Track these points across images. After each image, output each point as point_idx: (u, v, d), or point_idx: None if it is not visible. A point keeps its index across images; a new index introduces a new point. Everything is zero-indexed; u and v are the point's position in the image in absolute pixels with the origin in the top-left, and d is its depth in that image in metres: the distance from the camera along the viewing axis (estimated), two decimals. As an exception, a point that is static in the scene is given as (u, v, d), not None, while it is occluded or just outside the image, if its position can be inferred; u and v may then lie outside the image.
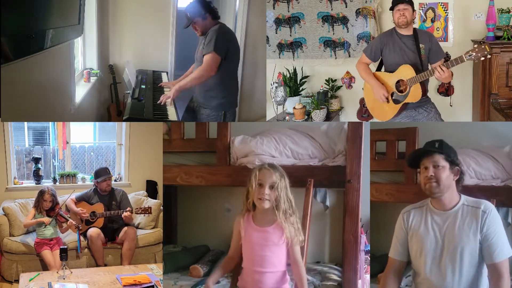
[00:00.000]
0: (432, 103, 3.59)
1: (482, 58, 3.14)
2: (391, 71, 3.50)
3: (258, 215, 2.26)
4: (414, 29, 3.44)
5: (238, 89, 3.96)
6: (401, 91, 3.45)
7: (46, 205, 3.78)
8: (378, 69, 3.67)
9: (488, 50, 3.08)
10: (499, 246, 2.09)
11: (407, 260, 2.31)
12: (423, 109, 3.52)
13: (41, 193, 3.80)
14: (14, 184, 4.63)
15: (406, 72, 3.38)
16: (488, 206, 2.14)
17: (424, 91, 3.40)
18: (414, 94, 3.38)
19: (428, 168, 2.17)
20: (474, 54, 3.09)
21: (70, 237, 3.96)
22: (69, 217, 3.87)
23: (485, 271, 2.14)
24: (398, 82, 3.45)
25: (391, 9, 3.45)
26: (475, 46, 3.15)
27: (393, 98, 3.50)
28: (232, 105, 3.84)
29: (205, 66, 3.56)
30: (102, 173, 4.16)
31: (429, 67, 3.44)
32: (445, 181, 2.15)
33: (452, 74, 3.30)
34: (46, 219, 3.75)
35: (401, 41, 3.43)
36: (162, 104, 3.79)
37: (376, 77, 3.58)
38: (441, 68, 3.18)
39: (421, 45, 3.39)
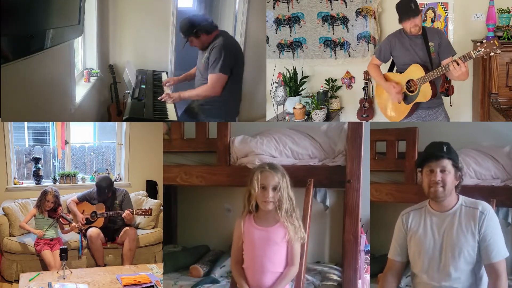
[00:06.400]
0: (443, 108, 3.54)
1: (492, 54, 3.06)
2: (402, 71, 3.48)
3: (260, 216, 2.26)
4: (423, 28, 3.37)
5: (241, 98, 3.84)
6: (412, 91, 3.44)
7: (48, 206, 3.78)
8: (390, 69, 3.64)
9: (498, 45, 2.99)
10: (497, 247, 2.10)
11: (406, 261, 2.32)
12: (433, 111, 3.48)
13: (44, 193, 3.80)
14: (14, 184, 4.63)
15: (415, 71, 3.36)
16: (486, 207, 2.15)
17: (435, 90, 3.35)
18: (424, 93, 3.36)
19: (435, 172, 2.16)
20: (482, 50, 3.03)
21: (71, 237, 3.97)
22: (71, 219, 3.87)
23: (484, 271, 2.14)
24: (408, 82, 3.43)
25: (400, 20, 3.33)
26: (484, 41, 3.06)
27: (403, 98, 3.49)
28: (234, 114, 3.78)
29: (211, 87, 3.47)
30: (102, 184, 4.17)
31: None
32: (450, 186, 2.17)
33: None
34: (39, 232, 3.74)
35: (410, 41, 3.39)
36: (162, 100, 3.75)
37: (387, 78, 3.57)
38: (456, 63, 3.07)
39: (430, 43, 3.33)
